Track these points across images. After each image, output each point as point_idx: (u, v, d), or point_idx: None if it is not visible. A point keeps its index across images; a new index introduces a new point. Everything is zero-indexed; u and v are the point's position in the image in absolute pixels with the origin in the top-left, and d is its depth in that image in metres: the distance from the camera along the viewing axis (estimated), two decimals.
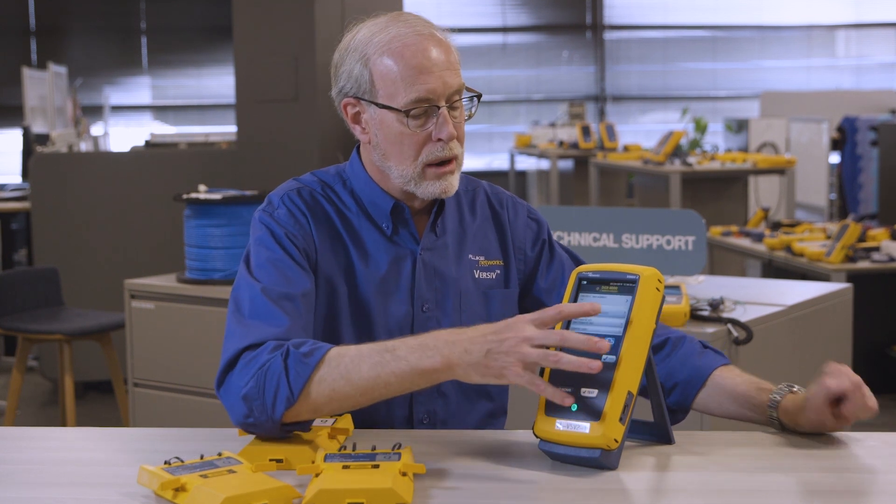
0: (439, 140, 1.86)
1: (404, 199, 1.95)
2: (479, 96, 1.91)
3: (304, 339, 1.74)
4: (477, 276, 1.99)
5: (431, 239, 1.97)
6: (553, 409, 1.62)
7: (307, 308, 1.82)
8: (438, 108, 1.85)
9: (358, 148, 2.00)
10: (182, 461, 1.57)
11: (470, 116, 1.93)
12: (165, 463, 1.55)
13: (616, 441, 1.58)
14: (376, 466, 1.51)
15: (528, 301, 2.06)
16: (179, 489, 1.49)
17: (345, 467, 1.52)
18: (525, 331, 1.58)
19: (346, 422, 1.78)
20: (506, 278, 2.03)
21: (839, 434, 1.77)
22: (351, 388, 1.66)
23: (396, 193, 1.95)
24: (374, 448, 1.60)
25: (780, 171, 7.18)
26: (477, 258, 2.00)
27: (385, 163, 1.91)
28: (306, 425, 1.71)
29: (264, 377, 1.67)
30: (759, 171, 7.25)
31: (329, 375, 1.66)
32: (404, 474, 1.51)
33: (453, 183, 1.90)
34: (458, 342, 1.62)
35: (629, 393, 1.59)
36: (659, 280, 1.65)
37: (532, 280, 2.06)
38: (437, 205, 1.97)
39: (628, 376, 1.60)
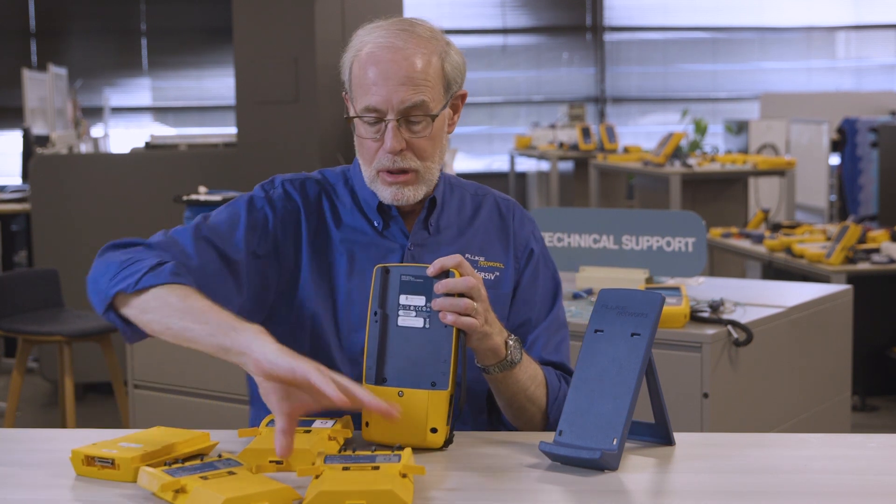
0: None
1: None
2: (433, 117, 1.88)
3: (185, 267, 1.82)
4: None
5: (423, 235, 1.98)
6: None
7: (218, 266, 1.88)
8: (385, 120, 1.86)
9: None
10: (182, 463, 1.57)
11: (448, 126, 1.95)
12: (165, 464, 1.55)
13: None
14: (376, 468, 1.51)
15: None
16: (179, 491, 1.49)
17: (345, 469, 1.52)
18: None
19: (347, 424, 1.78)
20: (503, 281, 2.01)
21: (839, 435, 1.77)
22: (161, 326, 1.74)
23: None
24: (374, 450, 1.60)
25: (780, 172, 7.18)
26: (476, 258, 1.99)
27: (359, 160, 1.97)
28: (125, 326, 1.79)
29: (135, 261, 1.78)
30: (759, 173, 7.25)
31: (166, 298, 1.73)
32: (404, 476, 1.51)
33: (406, 193, 1.91)
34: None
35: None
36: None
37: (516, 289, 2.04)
38: (430, 202, 1.98)
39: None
